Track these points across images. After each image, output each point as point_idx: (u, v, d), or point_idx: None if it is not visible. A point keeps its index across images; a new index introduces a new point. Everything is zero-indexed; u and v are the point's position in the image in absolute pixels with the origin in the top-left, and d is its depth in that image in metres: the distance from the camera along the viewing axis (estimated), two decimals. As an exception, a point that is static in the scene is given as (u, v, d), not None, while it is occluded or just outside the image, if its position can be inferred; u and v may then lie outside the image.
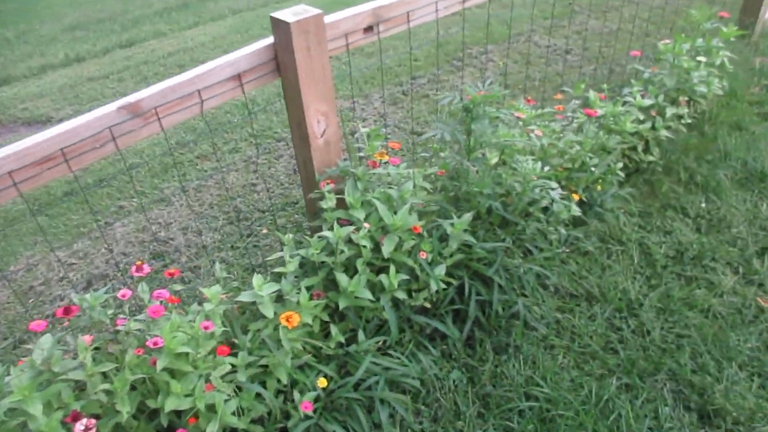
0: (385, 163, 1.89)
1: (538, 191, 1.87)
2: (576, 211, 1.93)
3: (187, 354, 1.47)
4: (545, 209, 1.98)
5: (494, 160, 1.97)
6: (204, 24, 6.30)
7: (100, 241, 2.75)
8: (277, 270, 1.67)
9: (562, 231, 1.95)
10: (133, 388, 1.48)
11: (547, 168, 1.91)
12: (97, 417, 1.39)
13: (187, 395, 1.43)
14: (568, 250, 1.97)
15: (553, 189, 1.86)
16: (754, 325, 1.77)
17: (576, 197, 1.98)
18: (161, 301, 1.53)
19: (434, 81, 3.91)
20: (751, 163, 2.52)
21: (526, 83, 3.61)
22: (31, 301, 2.44)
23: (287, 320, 1.50)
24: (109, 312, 1.56)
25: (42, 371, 1.39)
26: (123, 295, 1.49)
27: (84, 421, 1.31)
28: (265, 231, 2.59)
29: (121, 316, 1.56)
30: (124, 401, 1.39)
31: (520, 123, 2.17)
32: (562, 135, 2.17)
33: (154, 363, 1.42)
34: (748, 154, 2.58)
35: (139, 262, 1.55)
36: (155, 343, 1.39)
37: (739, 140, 2.69)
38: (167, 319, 1.50)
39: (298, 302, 1.60)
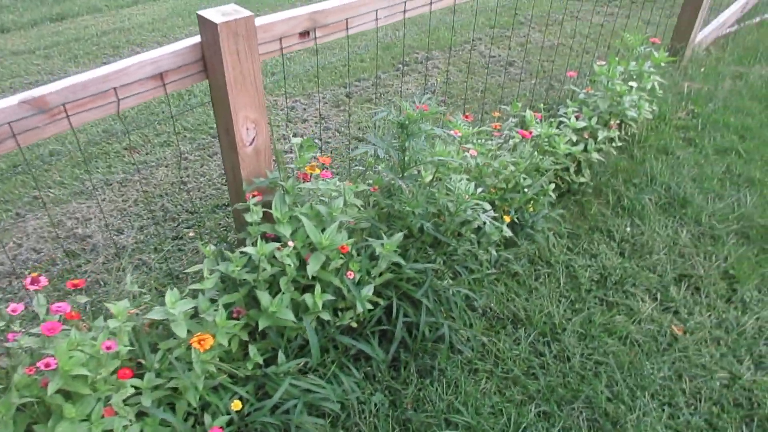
0: (316, 176, 1.83)
1: (471, 212, 1.85)
2: (507, 232, 1.93)
3: (84, 376, 1.36)
4: (477, 229, 1.98)
5: (428, 178, 1.95)
6: (144, 3, 5.98)
7: (9, 233, 2.54)
8: (194, 286, 1.57)
9: (493, 252, 1.95)
10: (22, 408, 1.36)
11: (480, 189, 1.90)
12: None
13: (83, 420, 1.32)
14: (497, 272, 1.97)
15: (485, 211, 1.85)
16: (668, 354, 1.83)
17: (507, 219, 1.98)
18: (59, 317, 1.40)
19: (379, 84, 3.86)
20: (675, 189, 2.62)
21: (467, 94, 3.62)
22: None
23: (199, 343, 1.42)
24: (0, 324, 1.43)
25: None
26: (13, 311, 1.36)
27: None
28: (191, 234, 2.46)
29: (14, 329, 1.42)
30: (7, 426, 1.27)
31: (457, 140, 2.15)
32: (498, 154, 2.17)
33: (46, 384, 1.30)
34: (672, 179, 2.68)
35: (34, 274, 1.42)
36: (47, 365, 1.28)
37: (665, 164, 2.79)
38: (66, 335, 1.38)
39: (214, 321, 1.52)
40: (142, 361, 1.50)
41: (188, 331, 1.50)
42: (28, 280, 1.41)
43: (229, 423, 1.51)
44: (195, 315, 1.58)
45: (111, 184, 2.85)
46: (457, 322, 1.78)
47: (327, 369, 1.65)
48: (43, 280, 1.43)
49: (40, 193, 2.81)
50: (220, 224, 2.52)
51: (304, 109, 3.55)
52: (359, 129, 3.28)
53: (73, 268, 2.31)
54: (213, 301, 1.60)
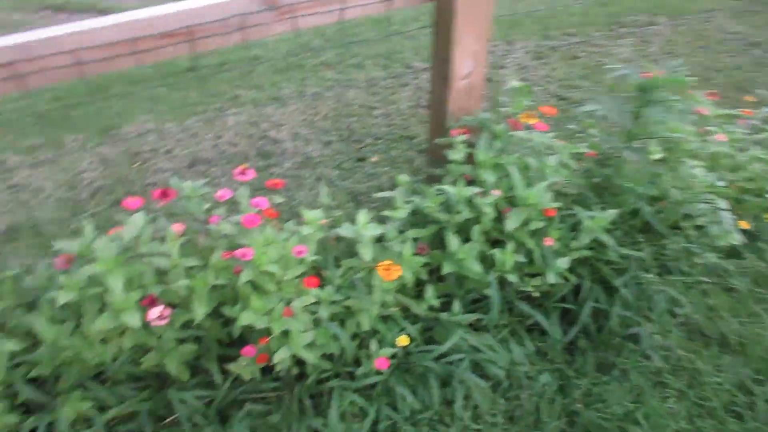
0: (530, 127, 1.65)
1: (702, 206, 1.57)
2: (737, 240, 1.62)
3: (273, 273, 1.38)
4: (698, 227, 1.69)
5: (657, 156, 1.68)
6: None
7: (212, 124, 2.72)
8: (386, 213, 1.51)
9: (713, 259, 1.65)
10: (213, 287, 1.42)
11: (721, 182, 1.60)
12: (173, 306, 1.34)
13: (264, 314, 1.35)
14: (711, 282, 1.68)
15: (722, 209, 1.55)
16: None
17: (744, 225, 1.66)
18: (258, 211, 1.42)
19: (588, 42, 3.49)
20: None
21: (703, 73, 3.12)
22: (136, 165, 2.47)
23: (386, 270, 1.36)
24: (205, 206, 1.49)
25: (129, 248, 1.34)
26: (221, 197, 1.40)
27: (160, 308, 1.26)
28: (375, 159, 2.44)
29: (217, 213, 1.48)
30: (201, 301, 1.33)
31: (695, 120, 1.83)
32: (744, 146, 1.81)
33: (238, 272, 1.33)
34: None
35: (244, 166, 1.44)
36: (244, 255, 1.30)
37: None
38: (261, 231, 1.40)
39: (400, 252, 1.46)
40: (323, 273, 1.49)
41: (373, 258, 1.46)
42: (238, 170, 1.44)
43: (392, 356, 1.47)
44: (378, 240, 1.54)
45: (304, 96, 2.92)
46: (654, 325, 1.55)
47: (498, 331, 1.54)
48: (251, 173, 1.45)
49: (250, 91, 2.96)
50: (403, 155, 2.46)
51: (504, 55, 3.33)
52: (561, 87, 2.99)
53: (262, 168, 2.41)
54: (400, 231, 1.54)
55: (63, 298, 1.18)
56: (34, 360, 1.31)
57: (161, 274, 1.36)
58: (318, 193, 2.07)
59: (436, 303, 1.52)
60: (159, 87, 3.02)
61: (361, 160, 2.46)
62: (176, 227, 1.35)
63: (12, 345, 1.26)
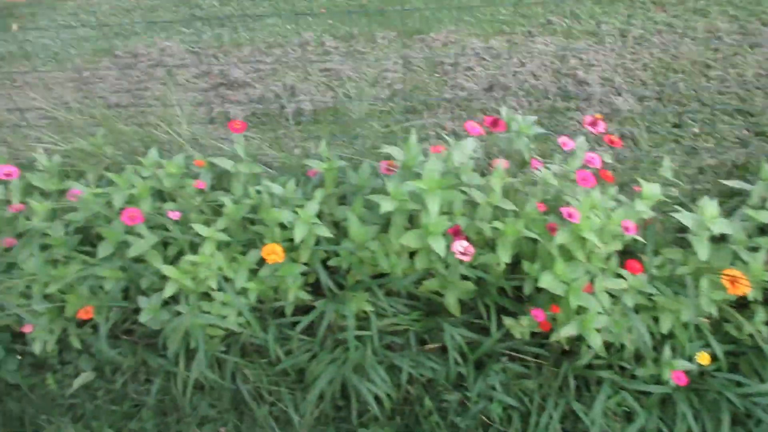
0: None
1: None
2: None
3: (585, 241, 1.22)
4: None
5: None
6: None
7: (516, 47, 2.55)
8: (747, 211, 1.22)
9: None
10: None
11: None
12: (475, 245, 1.28)
13: (563, 281, 1.22)
14: None
15: None
16: None
17: None
18: (594, 170, 1.26)
19: None
20: None
21: None
22: (436, 75, 2.45)
23: (731, 282, 1.11)
24: (532, 146, 1.37)
25: (450, 173, 1.29)
26: (564, 144, 1.25)
27: (465, 243, 1.21)
28: (696, 131, 2.05)
29: (540, 159, 1.35)
30: (505, 248, 1.25)
31: None
32: None
33: (553, 230, 1.21)
34: None
35: (597, 116, 1.26)
36: (570, 215, 1.16)
37: None
38: (588, 192, 1.24)
39: (745, 263, 1.18)
40: (642, 256, 1.29)
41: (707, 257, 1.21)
42: (588, 119, 1.27)
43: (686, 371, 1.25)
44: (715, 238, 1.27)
45: (625, 37, 2.55)
46: None
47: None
48: (600, 125, 1.27)
49: (564, 19, 2.70)
50: (734, 133, 2.02)
51: None
52: None
53: (561, 110, 2.20)
54: (749, 236, 1.25)
55: (386, 206, 1.20)
56: (336, 250, 1.39)
57: (471, 206, 1.30)
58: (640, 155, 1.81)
59: (763, 330, 1.24)
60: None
61: (677, 127, 2.09)
62: (500, 163, 1.26)
63: (323, 231, 1.33)
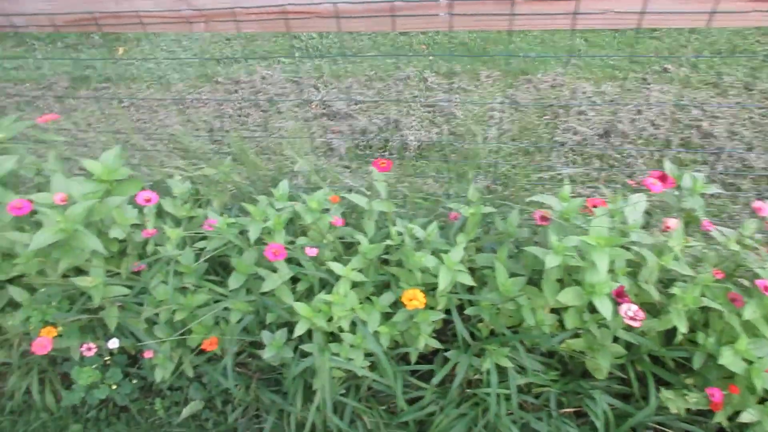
0: None
1: None
2: None
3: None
4: None
5: None
6: None
7: (632, 95, 2.45)
8: None
9: None
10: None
11: None
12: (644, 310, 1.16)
13: (745, 359, 1.09)
14: None
15: None
16: None
17: None
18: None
19: None
20: None
21: None
22: (545, 118, 2.36)
23: None
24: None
25: (615, 229, 1.19)
26: (758, 209, 1.14)
27: (633, 307, 1.10)
28: None
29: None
30: (681, 317, 1.12)
31: None
32: None
33: (736, 301, 1.08)
34: None
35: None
36: (766, 288, 1.04)
37: None
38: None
39: None
40: None
41: None
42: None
43: None
44: None
45: (751, 90, 2.41)
46: None
47: None
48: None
49: (681, 68, 2.58)
50: None
51: None
52: None
53: (686, 162, 2.07)
54: None
55: (551, 261, 1.10)
56: (474, 299, 1.30)
57: (633, 266, 1.20)
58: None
59: None
60: (577, 38, 2.84)
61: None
62: (676, 223, 1.15)
63: (467, 279, 1.25)
